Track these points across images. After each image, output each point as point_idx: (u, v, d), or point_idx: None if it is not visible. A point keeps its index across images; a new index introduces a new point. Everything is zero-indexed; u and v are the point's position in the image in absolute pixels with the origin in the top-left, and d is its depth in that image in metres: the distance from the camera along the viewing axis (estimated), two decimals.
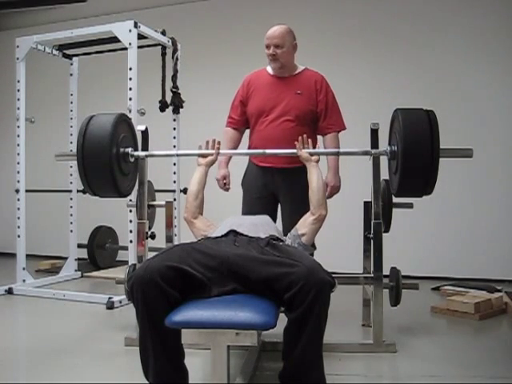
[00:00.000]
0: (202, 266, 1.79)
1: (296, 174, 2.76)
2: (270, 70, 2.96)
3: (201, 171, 2.57)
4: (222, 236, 2.11)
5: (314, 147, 2.57)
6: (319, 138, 2.94)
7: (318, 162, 2.52)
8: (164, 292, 1.68)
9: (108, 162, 2.47)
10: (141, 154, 2.73)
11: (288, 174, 2.85)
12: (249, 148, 3.01)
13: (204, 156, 2.61)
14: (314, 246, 2.55)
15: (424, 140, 2.37)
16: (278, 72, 2.90)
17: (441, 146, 2.37)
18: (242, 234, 2.10)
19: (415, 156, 2.37)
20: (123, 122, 2.67)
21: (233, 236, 2.08)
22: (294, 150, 2.57)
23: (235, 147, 3.02)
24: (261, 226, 2.22)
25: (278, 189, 2.92)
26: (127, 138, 2.69)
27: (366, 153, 2.62)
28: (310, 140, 2.56)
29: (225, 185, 3.02)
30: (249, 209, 2.92)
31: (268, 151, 2.71)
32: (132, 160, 2.70)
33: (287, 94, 2.86)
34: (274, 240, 2.07)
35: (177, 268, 1.72)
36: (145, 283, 1.68)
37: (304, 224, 2.37)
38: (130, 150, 2.66)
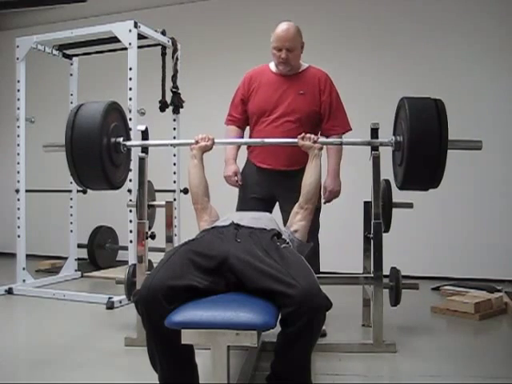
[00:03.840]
0: (203, 272, 1.79)
1: (295, 176, 2.71)
2: (273, 67, 2.89)
3: (195, 157, 2.49)
4: (223, 227, 2.07)
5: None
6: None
7: (321, 149, 2.47)
8: (168, 309, 1.68)
9: (98, 152, 2.36)
10: (133, 143, 2.64)
11: (287, 176, 2.81)
12: (248, 147, 2.98)
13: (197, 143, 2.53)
14: (308, 242, 2.48)
15: (432, 129, 2.27)
16: (284, 72, 2.83)
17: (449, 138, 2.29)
18: (243, 226, 2.05)
19: (422, 145, 2.27)
20: (114, 110, 2.55)
21: (233, 229, 2.02)
22: (295, 140, 2.51)
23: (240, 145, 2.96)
24: (261, 220, 2.18)
25: (277, 191, 2.89)
26: (118, 127, 2.56)
27: (369, 143, 2.58)
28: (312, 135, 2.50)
29: (236, 181, 2.91)
30: (244, 207, 2.87)
31: (267, 140, 2.65)
32: (124, 150, 2.58)
33: (290, 94, 2.80)
34: (277, 237, 2.01)
35: (179, 286, 1.72)
36: (149, 303, 1.70)
37: (294, 220, 2.35)
38: (121, 139, 2.54)
